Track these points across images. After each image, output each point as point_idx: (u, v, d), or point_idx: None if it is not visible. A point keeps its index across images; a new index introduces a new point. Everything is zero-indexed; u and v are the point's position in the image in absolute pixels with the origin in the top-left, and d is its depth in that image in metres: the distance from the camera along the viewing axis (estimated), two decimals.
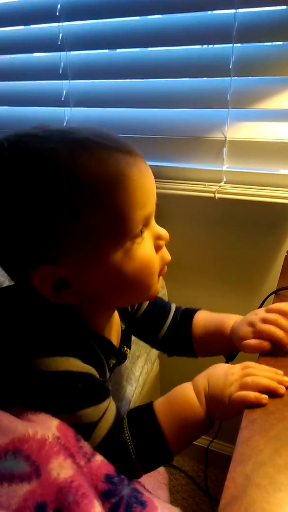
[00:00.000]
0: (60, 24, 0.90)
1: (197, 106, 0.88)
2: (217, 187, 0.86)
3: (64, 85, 0.95)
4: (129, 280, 0.45)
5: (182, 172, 0.90)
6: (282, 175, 0.81)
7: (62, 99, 0.96)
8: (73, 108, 0.97)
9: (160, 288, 0.51)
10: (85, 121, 0.98)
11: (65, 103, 0.97)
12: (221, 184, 0.86)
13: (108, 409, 0.47)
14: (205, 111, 0.88)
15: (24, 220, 0.41)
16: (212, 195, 0.86)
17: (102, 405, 0.46)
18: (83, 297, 0.45)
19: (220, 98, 0.82)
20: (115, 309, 0.57)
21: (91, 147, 0.41)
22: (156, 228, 0.48)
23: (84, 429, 0.44)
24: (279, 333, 0.50)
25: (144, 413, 0.48)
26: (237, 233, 0.91)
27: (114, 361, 0.56)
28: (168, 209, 0.90)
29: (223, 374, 0.48)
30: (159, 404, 0.49)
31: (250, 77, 0.81)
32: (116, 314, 0.58)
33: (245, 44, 0.79)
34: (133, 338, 0.74)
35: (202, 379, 0.49)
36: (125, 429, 0.47)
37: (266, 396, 0.43)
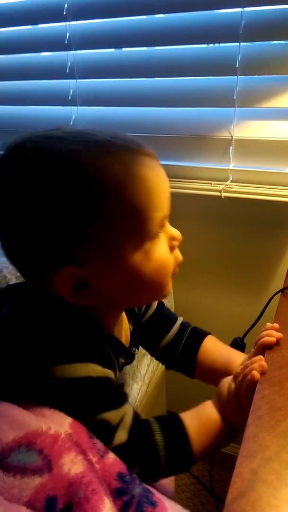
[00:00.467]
0: (67, 23, 0.90)
1: (203, 105, 0.88)
2: (224, 186, 0.86)
3: (71, 84, 0.96)
4: (146, 281, 0.45)
5: (188, 171, 0.90)
6: None
7: (69, 98, 0.97)
8: (79, 107, 0.97)
9: (171, 288, 0.52)
10: (91, 120, 0.98)
11: (72, 102, 0.97)
12: (227, 183, 0.86)
13: (128, 412, 0.47)
14: (212, 110, 0.88)
15: (49, 222, 0.41)
16: (218, 194, 0.86)
17: (122, 409, 0.47)
18: (100, 298, 0.46)
19: (227, 96, 0.83)
20: (124, 309, 0.57)
21: (113, 149, 0.42)
22: (170, 229, 0.48)
23: (104, 433, 0.44)
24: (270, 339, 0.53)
25: (174, 421, 0.51)
26: (243, 232, 0.91)
27: (123, 361, 0.56)
28: (174, 207, 0.89)
29: (229, 382, 0.53)
30: (187, 417, 0.52)
31: (256, 76, 0.81)
32: (124, 315, 0.58)
33: (251, 43, 0.79)
34: None
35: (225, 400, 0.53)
36: (156, 432, 0.48)
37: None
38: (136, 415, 0.49)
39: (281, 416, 0.41)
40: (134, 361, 0.83)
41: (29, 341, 0.45)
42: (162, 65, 0.87)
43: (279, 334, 0.54)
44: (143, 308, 0.63)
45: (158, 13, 0.84)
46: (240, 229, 0.91)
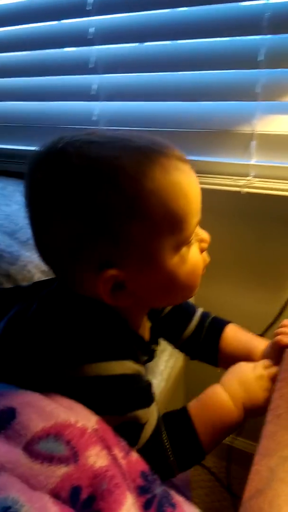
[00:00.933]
0: (91, 18, 0.90)
1: (225, 99, 0.87)
2: (245, 181, 0.85)
3: (94, 79, 0.96)
4: (180, 283, 0.47)
5: (209, 166, 0.90)
6: None
7: (92, 93, 0.97)
8: (102, 102, 0.97)
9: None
10: (114, 114, 0.99)
11: (95, 98, 0.97)
12: (249, 178, 0.85)
13: (154, 412, 0.49)
14: (233, 104, 0.87)
15: (92, 227, 0.42)
16: (239, 189, 0.85)
17: (151, 408, 0.48)
18: (134, 299, 0.47)
19: (249, 90, 0.81)
20: (149, 309, 0.58)
21: (152, 155, 0.43)
22: (200, 232, 0.50)
23: (131, 432, 0.45)
24: None
25: (179, 416, 0.51)
26: (264, 228, 0.90)
27: (145, 358, 0.57)
28: None
29: (253, 379, 0.53)
30: (193, 408, 0.52)
31: (280, 69, 0.79)
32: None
33: (275, 35, 0.77)
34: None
35: (233, 383, 0.53)
36: (163, 432, 0.49)
37: None
38: (159, 416, 0.50)
39: None
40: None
41: (63, 339, 0.46)
42: (185, 59, 0.87)
43: None
44: None
45: (181, 6, 0.84)
46: (261, 226, 0.90)
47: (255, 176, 0.85)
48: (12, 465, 0.36)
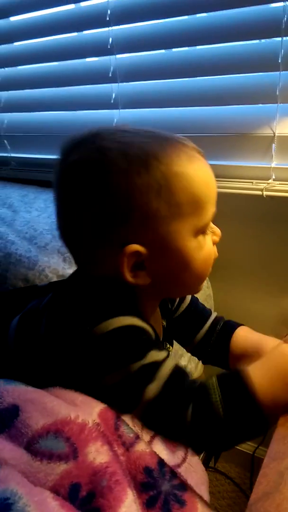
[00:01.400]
0: (110, 28, 0.93)
1: (245, 103, 0.86)
2: (265, 185, 0.84)
3: (114, 88, 0.98)
4: (194, 269, 0.48)
5: (229, 170, 0.89)
6: None
7: (112, 101, 0.99)
8: (121, 110, 0.99)
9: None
10: (133, 122, 1.00)
11: (114, 106, 0.99)
12: (270, 181, 0.84)
13: (171, 358, 0.47)
14: (253, 107, 0.86)
15: (122, 203, 0.44)
16: (260, 192, 0.84)
17: (163, 352, 0.46)
18: (151, 281, 0.48)
19: (269, 93, 0.81)
20: (158, 303, 0.57)
21: (179, 145, 0.47)
22: (212, 225, 0.52)
23: (149, 370, 0.43)
24: None
25: (234, 371, 0.46)
26: (285, 232, 0.88)
27: None
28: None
29: None
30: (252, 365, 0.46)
31: None
32: (158, 310, 0.59)
33: None
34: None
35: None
36: (212, 384, 0.44)
37: None
38: (179, 371, 0.46)
39: None
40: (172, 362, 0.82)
41: (73, 311, 0.47)
42: (202, 64, 0.87)
43: None
44: (176, 303, 0.64)
45: (199, 13, 0.84)
46: (283, 229, 0.88)
47: (276, 179, 0.84)
48: (15, 461, 0.36)
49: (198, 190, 0.46)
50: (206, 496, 0.54)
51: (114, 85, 0.98)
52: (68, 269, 0.77)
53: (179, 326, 0.64)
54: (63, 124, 1.12)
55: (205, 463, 1.07)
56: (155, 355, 0.45)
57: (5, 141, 1.26)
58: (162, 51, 0.92)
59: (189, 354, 0.87)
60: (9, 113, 1.25)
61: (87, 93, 1.04)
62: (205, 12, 0.84)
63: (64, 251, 0.79)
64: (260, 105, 0.85)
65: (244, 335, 0.62)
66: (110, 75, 0.96)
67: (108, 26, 0.93)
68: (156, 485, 0.39)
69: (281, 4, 0.75)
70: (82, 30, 0.99)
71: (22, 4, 1.06)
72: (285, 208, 0.86)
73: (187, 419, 0.42)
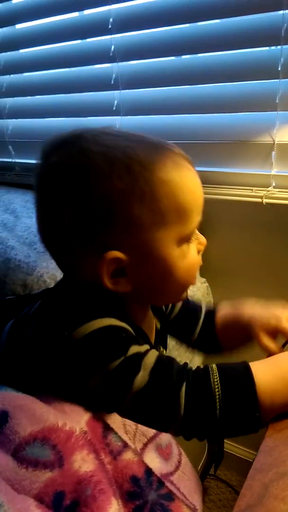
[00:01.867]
0: (112, 36, 0.93)
1: (245, 110, 0.86)
2: (265, 192, 0.84)
3: (115, 95, 0.99)
4: (177, 277, 0.47)
5: (229, 177, 0.89)
6: None
7: (114, 108, 0.99)
8: (123, 117, 0.99)
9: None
10: (135, 128, 1.00)
11: (116, 112, 1.00)
12: (269, 188, 0.84)
13: (153, 351, 0.46)
14: (253, 115, 0.86)
15: (103, 208, 0.43)
16: (259, 200, 0.84)
17: (145, 345, 0.46)
18: (133, 288, 0.47)
19: (269, 100, 0.81)
20: (149, 307, 0.57)
21: (165, 151, 0.46)
22: (198, 234, 0.50)
23: (133, 362, 0.43)
24: None
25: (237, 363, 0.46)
26: (285, 239, 0.87)
27: None
28: (215, 214, 0.89)
29: None
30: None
31: None
32: (150, 313, 0.59)
33: None
34: (174, 343, 0.74)
35: None
36: (214, 372, 0.43)
37: None
38: (166, 357, 0.46)
39: None
40: None
41: (54, 316, 0.47)
42: (204, 71, 0.87)
43: None
44: (170, 307, 0.64)
45: (200, 21, 0.85)
46: (282, 236, 0.88)
47: (275, 187, 0.84)
48: (1, 468, 0.36)
49: (183, 198, 0.45)
50: (199, 505, 0.53)
51: (116, 92, 0.98)
52: None
53: (177, 326, 0.64)
54: (66, 130, 1.12)
55: (206, 471, 1.07)
56: (136, 348, 0.44)
57: (10, 147, 1.27)
58: (164, 58, 0.93)
59: (184, 356, 0.87)
60: (14, 119, 1.26)
61: (90, 100, 1.05)
62: (206, 20, 0.84)
63: None
64: (260, 112, 0.85)
65: (224, 308, 0.63)
66: (112, 82, 0.97)
67: (110, 34, 0.93)
68: (142, 495, 0.39)
69: (280, 12, 0.75)
70: (85, 38, 1.00)
71: (28, 12, 1.07)
72: (285, 216, 0.85)
73: (181, 400, 0.41)
